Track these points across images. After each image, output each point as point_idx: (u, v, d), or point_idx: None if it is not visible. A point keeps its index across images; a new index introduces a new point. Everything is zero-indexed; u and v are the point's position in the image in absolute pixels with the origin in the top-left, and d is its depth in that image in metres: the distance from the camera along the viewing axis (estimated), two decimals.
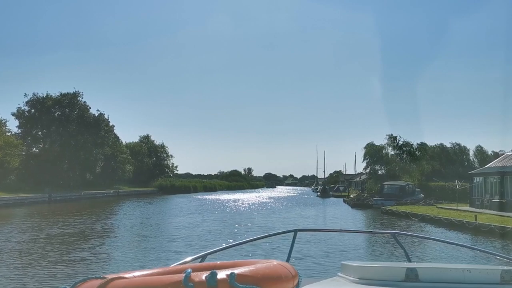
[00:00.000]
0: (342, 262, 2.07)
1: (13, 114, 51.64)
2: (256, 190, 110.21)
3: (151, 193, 65.50)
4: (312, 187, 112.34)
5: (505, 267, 1.80)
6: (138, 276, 1.45)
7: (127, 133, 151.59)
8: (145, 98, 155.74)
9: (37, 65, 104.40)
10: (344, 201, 47.77)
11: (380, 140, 53.34)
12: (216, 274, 1.24)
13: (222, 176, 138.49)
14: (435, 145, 62.16)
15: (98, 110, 57.54)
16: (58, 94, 54.37)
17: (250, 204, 44.51)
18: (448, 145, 63.91)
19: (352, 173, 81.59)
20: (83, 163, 53.81)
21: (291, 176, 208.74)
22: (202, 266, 1.72)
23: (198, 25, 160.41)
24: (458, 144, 64.00)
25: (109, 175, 59.65)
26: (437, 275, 1.75)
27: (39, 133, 53.76)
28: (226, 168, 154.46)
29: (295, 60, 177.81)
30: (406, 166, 48.76)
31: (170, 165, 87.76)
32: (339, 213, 34.65)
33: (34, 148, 53.89)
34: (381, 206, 33.69)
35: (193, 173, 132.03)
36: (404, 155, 51.56)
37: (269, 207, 40.37)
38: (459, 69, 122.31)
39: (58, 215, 26.44)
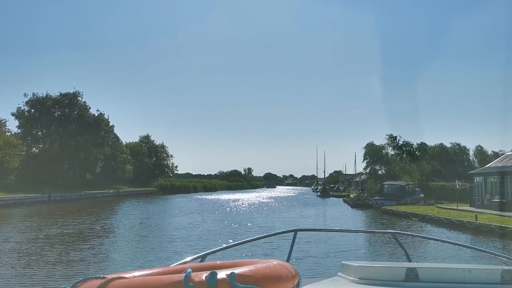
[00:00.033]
0: (342, 262, 2.07)
1: (13, 114, 51.73)
2: (256, 190, 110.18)
3: (151, 193, 65.48)
4: (312, 187, 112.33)
5: (505, 267, 1.79)
6: (138, 276, 1.45)
7: (127, 133, 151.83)
8: (145, 98, 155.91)
9: (37, 65, 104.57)
10: (344, 201, 47.74)
11: (380, 140, 53.39)
12: (216, 274, 1.23)
13: (222, 176, 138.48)
14: (435, 145, 62.15)
15: (98, 110, 57.67)
16: (58, 94, 54.43)
17: (250, 204, 44.48)
18: (448, 145, 63.92)
19: (352, 173, 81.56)
20: (83, 163, 53.78)
21: (291, 176, 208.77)
22: (202, 266, 1.71)
23: (198, 25, 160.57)
24: (458, 144, 64.00)
25: (109, 175, 59.64)
26: (437, 275, 1.75)
27: (39, 133, 53.75)
28: (226, 168, 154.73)
29: (295, 60, 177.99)
30: (406, 166, 48.73)
31: (170, 165, 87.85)
32: (339, 213, 34.63)
33: (34, 148, 53.90)
34: (381, 206, 33.67)
35: (193, 173, 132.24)
36: (404, 155, 51.53)
37: (269, 207, 40.35)
38: (459, 69, 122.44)
39: (57, 215, 26.41)
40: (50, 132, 53.05)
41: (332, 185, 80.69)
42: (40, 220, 23.68)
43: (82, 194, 47.33)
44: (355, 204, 40.92)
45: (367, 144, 52.69)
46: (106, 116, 58.17)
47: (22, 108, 52.47)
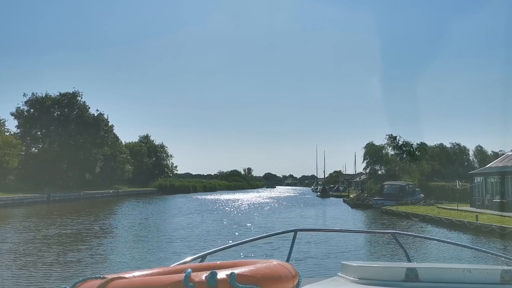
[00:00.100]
0: (342, 262, 2.07)
1: (12, 114, 51.63)
2: (255, 190, 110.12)
3: (150, 193, 65.39)
4: (312, 187, 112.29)
5: (505, 267, 1.79)
6: (138, 276, 1.45)
7: (127, 133, 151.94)
8: (145, 98, 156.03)
9: (37, 65, 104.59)
10: (344, 201, 47.68)
11: (380, 140, 53.35)
12: (216, 274, 1.23)
13: (221, 176, 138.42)
14: (435, 145, 62.11)
15: (97, 110, 57.58)
16: (57, 94, 54.32)
17: (250, 204, 44.40)
18: (448, 145, 63.91)
19: (352, 173, 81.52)
20: (82, 163, 53.68)
21: (291, 176, 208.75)
22: (202, 266, 1.71)
23: (198, 25, 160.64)
24: (458, 144, 63.99)
25: (109, 175, 59.55)
26: (437, 275, 1.75)
27: (38, 133, 53.66)
28: (226, 168, 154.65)
29: (295, 60, 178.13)
30: (406, 166, 48.68)
31: (170, 165, 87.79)
32: (339, 213, 34.55)
33: (33, 148, 53.81)
34: (381, 206, 33.58)
35: (193, 173, 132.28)
36: (404, 155, 51.49)
37: (269, 207, 40.27)
38: (459, 69, 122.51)
39: (56, 215, 26.30)
40: (50, 132, 52.95)
41: (332, 185, 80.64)
42: (38, 220, 23.58)
43: (82, 194, 47.24)
44: (355, 204, 40.84)
45: (367, 144, 52.68)
46: (105, 116, 58.17)
47: (21, 108, 52.47)
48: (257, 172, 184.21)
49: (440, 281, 1.72)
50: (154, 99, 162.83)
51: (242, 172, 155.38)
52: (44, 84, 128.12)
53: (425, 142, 55.01)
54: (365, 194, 47.96)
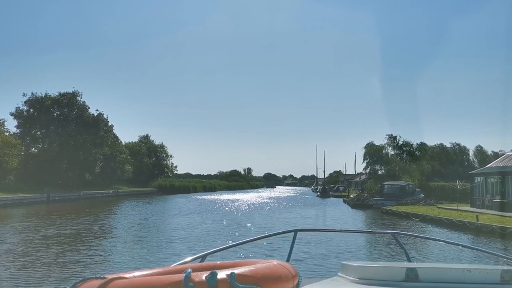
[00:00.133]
0: (342, 262, 2.07)
1: (11, 114, 51.56)
2: (255, 190, 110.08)
3: (150, 193, 65.36)
4: (312, 187, 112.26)
5: (505, 267, 1.79)
6: (138, 276, 1.45)
7: (127, 133, 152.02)
8: (145, 98, 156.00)
9: (37, 65, 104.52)
10: (344, 201, 47.65)
11: (380, 140, 53.32)
12: (216, 274, 1.23)
13: (221, 176, 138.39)
14: (435, 145, 62.04)
15: (97, 110, 57.53)
16: (57, 94, 54.27)
17: (250, 204, 44.36)
18: (448, 145, 63.85)
19: (352, 173, 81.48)
20: (82, 163, 53.63)
21: (291, 176, 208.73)
22: (202, 266, 1.71)
23: (198, 25, 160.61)
24: (458, 144, 63.92)
25: (108, 175, 59.50)
26: (437, 275, 1.75)
27: (38, 133, 53.61)
28: (226, 168, 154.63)
29: (295, 60, 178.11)
30: (406, 166, 48.64)
31: (170, 165, 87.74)
32: (339, 213, 34.51)
33: (33, 148, 53.74)
34: (381, 206, 33.54)
35: (193, 173, 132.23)
36: (404, 155, 51.46)
37: (269, 207, 40.23)
38: (459, 69, 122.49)
39: (55, 216, 26.24)
40: (49, 132, 52.91)
41: (332, 185, 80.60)
42: (38, 220, 23.52)
43: (81, 194, 47.19)
44: (355, 204, 40.80)
45: (367, 144, 52.65)
46: (105, 116, 58.13)
47: (21, 108, 52.42)
48: (257, 172, 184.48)
49: (440, 281, 1.72)
50: (154, 99, 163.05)
51: (242, 172, 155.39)
52: (44, 84, 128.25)
53: (425, 142, 55.07)
54: (365, 194, 47.91)
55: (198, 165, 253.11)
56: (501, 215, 21.96)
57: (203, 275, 1.24)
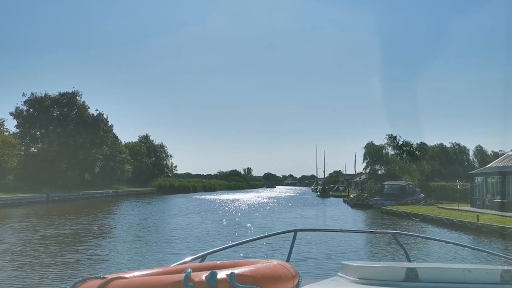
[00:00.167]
0: (342, 262, 2.07)
1: (11, 114, 51.51)
2: (255, 190, 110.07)
3: (150, 193, 65.30)
4: (312, 187, 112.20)
5: (505, 267, 1.79)
6: (138, 276, 1.45)
7: (127, 133, 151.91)
8: (145, 98, 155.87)
9: (37, 65, 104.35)
10: (344, 201, 47.60)
11: (380, 140, 53.25)
12: (216, 274, 1.24)
13: (221, 176, 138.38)
14: (435, 145, 62.02)
15: (97, 110, 57.48)
16: (57, 93, 54.22)
17: (250, 204, 44.31)
18: (448, 145, 63.82)
19: (352, 173, 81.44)
20: (81, 163, 53.59)
21: (291, 176, 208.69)
22: (202, 266, 1.72)
23: (198, 25, 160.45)
24: (458, 144, 63.91)
25: (108, 175, 59.44)
26: (437, 275, 1.75)
27: (38, 132, 53.55)
28: (226, 168, 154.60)
29: (295, 60, 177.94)
30: (406, 166, 48.60)
31: (170, 165, 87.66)
32: (339, 213, 34.46)
33: (33, 148, 53.68)
34: (381, 206, 33.49)
35: (193, 173, 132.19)
36: (404, 155, 51.42)
37: (268, 207, 40.18)
38: (459, 69, 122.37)
39: (54, 216, 26.17)
40: (49, 131, 52.85)
41: (332, 185, 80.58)
42: (37, 220, 23.45)
43: (81, 194, 47.13)
44: (355, 204, 40.75)
45: (367, 144, 52.60)
46: (105, 116, 58.09)
47: (20, 107, 52.36)
48: (257, 172, 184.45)
49: (440, 281, 1.72)
50: (154, 99, 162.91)
51: (242, 172, 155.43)
52: (44, 84, 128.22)
53: (425, 142, 55.06)
54: (365, 194, 47.85)
55: (198, 165, 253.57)
56: (502, 215, 21.92)
57: (203, 275, 1.24)
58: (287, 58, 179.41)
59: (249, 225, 22.88)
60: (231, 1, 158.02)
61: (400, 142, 52.04)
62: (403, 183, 41.63)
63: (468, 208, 28.19)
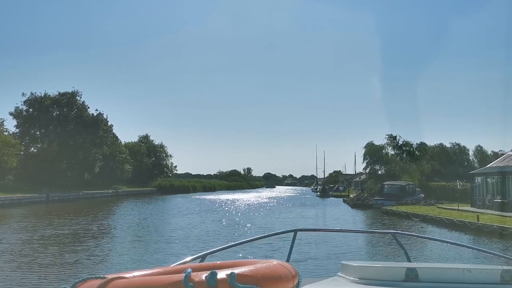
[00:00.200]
0: (342, 262, 2.07)
1: (11, 114, 51.48)
2: (255, 190, 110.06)
3: (150, 193, 65.26)
4: (312, 187, 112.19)
5: (505, 267, 1.79)
6: (138, 276, 1.45)
7: (127, 133, 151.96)
8: (145, 98, 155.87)
9: (37, 65, 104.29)
10: (344, 201, 47.57)
11: (380, 140, 53.21)
12: (216, 274, 1.24)
13: (221, 176, 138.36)
14: (435, 145, 62.00)
15: (96, 110, 57.46)
16: (56, 93, 54.17)
17: (250, 204, 44.27)
18: (448, 145, 63.82)
19: (352, 173, 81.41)
20: (81, 163, 53.54)
21: (291, 176, 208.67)
22: (202, 266, 1.72)
23: (198, 25, 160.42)
24: (458, 144, 63.90)
25: (108, 175, 59.40)
26: (437, 275, 1.75)
27: (37, 132, 53.51)
28: (226, 168, 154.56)
29: (295, 60, 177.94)
30: (406, 166, 48.57)
31: (169, 165, 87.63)
32: (339, 213, 34.41)
33: (32, 148, 53.65)
34: (381, 206, 33.45)
35: (193, 173, 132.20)
36: (404, 155, 51.39)
37: (268, 207, 40.14)
38: (459, 69, 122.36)
39: (54, 216, 26.11)
40: (48, 131, 52.81)
41: (332, 185, 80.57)
42: (36, 220, 23.41)
43: (81, 194, 47.08)
44: (355, 204, 40.71)
45: (367, 144, 52.56)
46: (105, 116, 58.05)
47: (20, 107, 52.32)
48: (257, 172, 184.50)
49: (440, 281, 1.72)
50: (154, 99, 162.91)
51: (242, 172, 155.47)
52: (44, 84, 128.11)
53: (425, 142, 55.06)
54: (365, 194, 47.82)
55: (198, 165, 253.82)
56: (502, 215, 21.88)
57: (203, 275, 1.24)
58: (287, 58, 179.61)
59: (249, 225, 22.84)
60: (231, 1, 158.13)
61: (400, 142, 52.06)
62: (403, 183, 41.59)
63: (468, 208, 28.15)
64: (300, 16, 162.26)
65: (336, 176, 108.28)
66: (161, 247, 15.02)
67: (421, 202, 35.39)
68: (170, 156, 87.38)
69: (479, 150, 61.67)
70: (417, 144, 52.37)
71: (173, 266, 1.82)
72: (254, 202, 48.56)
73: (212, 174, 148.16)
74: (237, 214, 31.07)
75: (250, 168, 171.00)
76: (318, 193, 69.50)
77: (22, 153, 48.59)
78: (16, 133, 50.80)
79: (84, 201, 43.80)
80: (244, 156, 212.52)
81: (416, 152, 51.60)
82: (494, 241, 16.63)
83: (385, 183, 42.58)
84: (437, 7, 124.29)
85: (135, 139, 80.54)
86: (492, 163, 32.25)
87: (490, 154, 56.16)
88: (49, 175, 47.48)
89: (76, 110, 54.80)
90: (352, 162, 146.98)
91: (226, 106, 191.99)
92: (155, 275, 1.46)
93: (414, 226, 22.83)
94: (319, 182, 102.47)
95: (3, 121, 47.08)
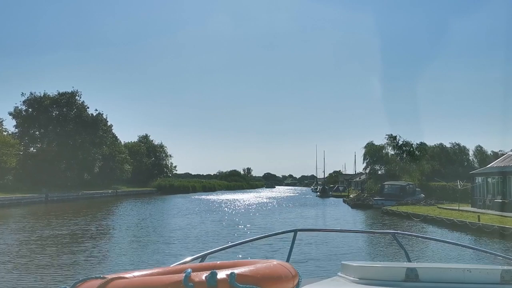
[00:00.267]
0: (342, 262, 2.07)
1: (10, 114, 51.42)
2: (255, 190, 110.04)
3: (149, 193, 65.19)
4: (312, 187, 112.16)
5: (505, 267, 1.80)
6: (138, 276, 1.45)
7: (127, 133, 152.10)
8: (145, 98, 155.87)
9: (37, 65, 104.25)
10: (344, 201, 47.53)
11: (380, 140, 53.14)
12: (216, 274, 1.23)
13: (221, 176, 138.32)
14: (435, 145, 61.99)
15: (96, 110, 57.40)
16: (56, 93, 54.09)
17: (249, 204, 44.22)
18: (448, 145, 63.83)
19: (352, 173, 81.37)
20: (81, 163, 53.46)
21: (291, 176, 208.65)
22: (202, 266, 1.71)
23: (198, 25, 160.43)
24: (458, 144, 63.90)
25: (108, 175, 59.32)
26: (437, 275, 1.75)
27: (37, 132, 53.44)
28: (226, 168, 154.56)
29: (295, 60, 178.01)
30: (406, 166, 48.51)
31: (169, 165, 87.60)
32: (339, 213, 34.34)
33: (32, 148, 53.60)
34: (381, 206, 33.38)
35: (192, 173, 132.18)
36: (404, 155, 51.33)
37: (268, 207, 40.07)
38: (459, 69, 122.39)
39: (53, 216, 26.01)
40: (48, 131, 52.73)
41: (332, 185, 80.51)
42: (34, 220, 23.32)
43: (80, 194, 47.00)
44: (355, 204, 40.64)
45: (367, 144, 52.49)
46: (104, 116, 57.97)
47: (19, 107, 52.26)
48: (257, 172, 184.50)
49: (440, 281, 1.72)
50: (154, 99, 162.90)
51: (242, 172, 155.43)
52: (44, 84, 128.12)
53: (425, 142, 54.99)
54: (365, 194, 47.75)
55: (198, 165, 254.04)
56: (503, 215, 21.81)
57: (203, 275, 1.23)
58: (287, 58, 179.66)
59: (249, 225, 22.75)
60: (231, 1, 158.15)
61: (400, 142, 52.01)
62: (403, 183, 41.52)
63: (469, 208, 28.08)
64: (300, 16, 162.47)
65: (336, 176, 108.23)
66: (160, 248, 14.94)
67: (421, 202, 35.31)
68: (170, 156, 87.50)
69: (479, 150, 61.68)
70: (417, 144, 52.37)
71: (173, 266, 1.82)
72: (254, 202, 48.48)
73: (212, 174, 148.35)
74: (237, 214, 30.99)
75: (250, 168, 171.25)
76: (318, 193, 69.44)
77: (21, 153, 48.51)
78: (16, 133, 50.74)
79: (84, 201, 43.72)
80: (244, 156, 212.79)
81: (416, 152, 51.54)
82: (495, 242, 16.56)
83: (385, 183, 42.50)
84: (437, 7, 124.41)
85: (134, 139, 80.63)
86: (493, 163, 32.17)
87: (490, 154, 56.14)
88: (48, 175, 47.40)
89: (75, 110, 54.72)
90: (352, 162, 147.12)
91: (226, 106, 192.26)
92: (155, 275, 1.46)
93: (414, 226, 22.76)
94: (319, 182, 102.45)
95: (2, 121, 47.12)
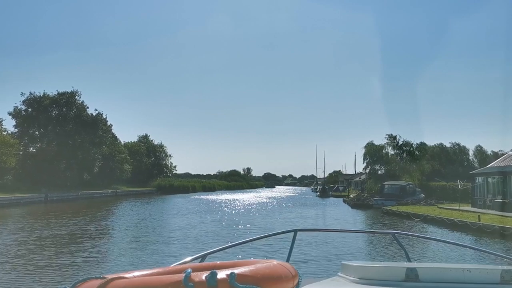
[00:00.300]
0: (342, 262, 2.07)
1: (9, 114, 51.34)
2: (255, 190, 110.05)
3: (149, 193, 65.16)
4: (312, 187, 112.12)
5: (505, 267, 1.79)
6: (138, 276, 1.45)
7: (127, 133, 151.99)
8: (145, 98, 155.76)
9: (37, 65, 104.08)
10: (344, 201, 47.50)
11: (380, 140, 53.10)
12: (216, 274, 1.23)
13: (221, 176, 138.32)
14: (435, 145, 62.01)
15: (96, 110, 57.33)
16: (56, 93, 54.04)
17: (249, 204, 44.18)
18: (448, 145, 63.85)
19: (352, 173, 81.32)
20: (80, 163, 53.41)
21: (290, 176, 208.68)
22: (202, 266, 1.72)
23: (198, 25, 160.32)
24: (458, 144, 63.92)
25: (107, 175, 59.28)
26: (437, 275, 1.75)
27: (36, 132, 53.39)
28: (226, 168, 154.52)
29: (295, 60, 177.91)
30: (406, 166, 48.48)
31: (169, 165, 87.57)
32: (339, 213, 34.30)
33: (31, 148, 53.55)
34: (381, 206, 33.35)
35: (192, 173, 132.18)
36: (404, 155, 51.31)
37: (268, 207, 40.03)
38: (459, 69, 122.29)
39: (52, 216, 25.96)
40: (47, 131, 52.68)
41: (332, 185, 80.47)
42: (34, 220, 23.27)
43: (80, 194, 46.95)
44: (355, 204, 40.61)
45: (367, 144, 52.47)
46: (104, 116, 57.91)
47: (19, 107, 52.19)
48: (257, 172, 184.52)
49: (440, 281, 1.72)
50: (154, 99, 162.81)
51: (242, 172, 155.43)
52: (44, 84, 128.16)
53: (425, 142, 54.98)
54: (365, 194, 47.70)
55: (198, 165, 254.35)
56: (503, 215, 21.77)
57: (203, 275, 1.24)
58: (287, 58, 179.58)
59: (249, 225, 22.72)
60: (231, 1, 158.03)
61: (400, 142, 51.98)
62: (403, 183, 41.49)
63: (469, 208, 28.04)
64: (300, 16, 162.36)
65: (336, 176, 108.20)
66: (160, 248, 14.89)
67: (421, 202, 35.28)
68: (170, 156, 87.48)
69: (479, 150, 61.70)
70: (417, 144, 52.35)
71: (173, 266, 1.81)
72: (254, 202, 48.45)
73: (212, 174, 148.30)
74: (236, 214, 30.95)
75: (250, 168, 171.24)
76: (318, 193, 69.41)
77: (21, 153, 48.49)
78: (15, 133, 50.67)
79: (83, 201, 43.67)
80: (244, 156, 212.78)
81: (416, 152, 51.53)
82: (495, 242, 16.53)
83: (385, 183, 42.47)
84: (437, 7, 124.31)
85: (134, 139, 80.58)
86: (493, 163, 32.13)
87: (490, 154, 56.14)
88: (48, 175, 47.35)
89: (75, 110, 54.65)
90: (352, 162, 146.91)
91: (226, 106, 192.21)
92: (155, 275, 1.46)
93: (414, 226, 22.72)
94: (319, 182, 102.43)
95: (2, 120, 47.03)
